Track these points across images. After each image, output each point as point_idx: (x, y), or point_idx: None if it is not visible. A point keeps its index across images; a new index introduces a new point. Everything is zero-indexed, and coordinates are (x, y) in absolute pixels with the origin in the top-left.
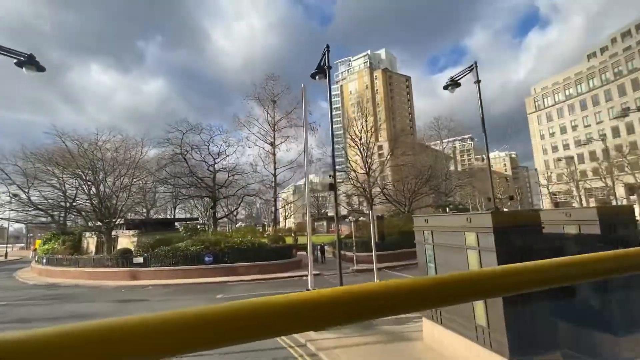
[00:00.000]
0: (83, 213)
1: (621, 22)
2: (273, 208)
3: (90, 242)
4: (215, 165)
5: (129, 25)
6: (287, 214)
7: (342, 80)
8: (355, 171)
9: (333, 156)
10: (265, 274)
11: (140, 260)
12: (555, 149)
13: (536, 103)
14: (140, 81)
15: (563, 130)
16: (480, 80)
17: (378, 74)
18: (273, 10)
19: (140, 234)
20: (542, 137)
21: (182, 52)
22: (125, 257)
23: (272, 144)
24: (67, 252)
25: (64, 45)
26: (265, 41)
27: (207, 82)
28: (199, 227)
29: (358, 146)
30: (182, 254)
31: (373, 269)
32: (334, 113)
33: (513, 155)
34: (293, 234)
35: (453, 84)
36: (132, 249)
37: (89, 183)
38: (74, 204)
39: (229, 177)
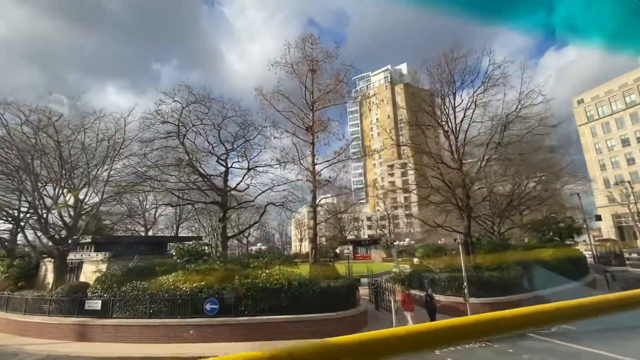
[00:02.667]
0: (23, 224)
1: None
2: (312, 222)
3: (50, 269)
4: (228, 159)
5: (144, 47)
6: (302, 235)
7: (361, 96)
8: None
9: None
10: (315, 336)
11: (97, 305)
12: (616, 164)
13: (588, 114)
14: (155, 102)
15: (625, 142)
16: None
17: (399, 88)
18: (286, 32)
19: (112, 259)
20: (599, 151)
21: (197, 73)
22: (74, 299)
23: (310, 129)
24: (10, 283)
25: (82, 67)
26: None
27: (222, 103)
28: (201, 249)
29: (445, 129)
30: (167, 297)
31: None
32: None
33: None
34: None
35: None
36: (93, 282)
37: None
38: (24, 211)
39: (248, 173)
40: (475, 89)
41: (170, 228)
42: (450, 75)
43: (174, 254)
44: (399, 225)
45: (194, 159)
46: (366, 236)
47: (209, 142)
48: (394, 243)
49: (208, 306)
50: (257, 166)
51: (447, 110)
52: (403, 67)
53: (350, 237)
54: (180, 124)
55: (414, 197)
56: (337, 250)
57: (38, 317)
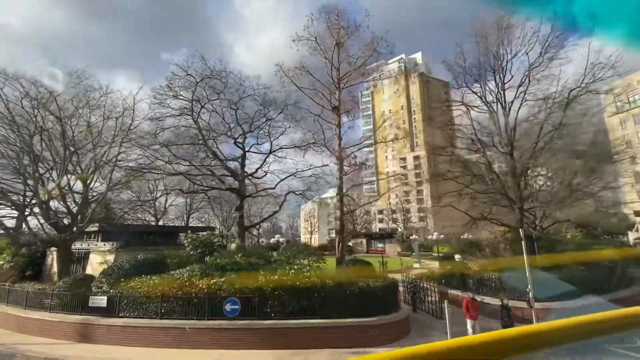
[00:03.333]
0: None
1: None
2: (338, 212)
3: (56, 259)
4: (245, 142)
5: (153, 38)
6: (312, 228)
7: (374, 87)
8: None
9: None
10: (354, 345)
11: (102, 301)
12: None
13: (617, 104)
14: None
15: None
16: None
17: (414, 78)
18: (294, 24)
19: (120, 250)
20: (630, 144)
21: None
22: (77, 295)
23: (337, 110)
24: (13, 274)
25: (92, 57)
26: (288, 55)
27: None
28: (216, 241)
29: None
30: (181, 295)
31: None
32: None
33: None
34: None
35: None
36: (98, 275)
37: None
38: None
39: (267, 157)
40: (531, 61)
41: (180, 218)
42: (500, 47)
43: (186, 245)
44: (410, 219)
45: (208, 138)
46: (377, 230)
47: (225, 121)
48: (411, 237)
49: (228, 307)
50: (282, 147)
51: (496, 88)
52: (418, 56)
53: (361, 230)
54: (194, 101)
55: (426, 191)
56: (350, 244)
57: (39, 313)
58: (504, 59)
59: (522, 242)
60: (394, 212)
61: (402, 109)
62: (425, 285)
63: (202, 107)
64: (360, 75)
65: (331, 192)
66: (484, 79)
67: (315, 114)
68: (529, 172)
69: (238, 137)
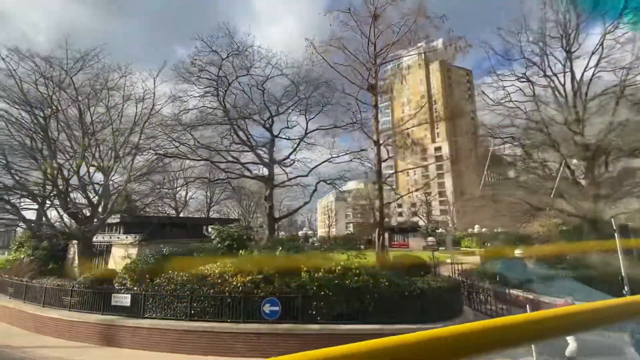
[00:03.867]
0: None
1: None
2: (378, 201)
3: (77, 252)
4: (273, 125)
5: (168, 31)
6: (330, 222)
7: (391, 75)
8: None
9: None
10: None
11: (126, 300)
12: None
13: None
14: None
15: None
16: None
17: (435, 66)
18: (309, 14)
19: (144, 243)
20: None
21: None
22: (99, 292)
23: (373, 88)
24: (33, 268)
25: (110, 52)
26: (302, 45)
27: (244, 86)
28: (246, 233)
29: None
30: (213, 294)
31: None
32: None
33: None
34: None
35: None
36: (121, 271)
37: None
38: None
39: (298, 143)
40: (606, 26)
41: (200, 211)
42: (571, 9)
43: (213, 237)
44: (431, 213)
45: (234, 121)
46: (396, 223)
47: (253, 102)
48: (437, 230)
49: (267, 308)
50: (319, 128)
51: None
52: (438, 43)
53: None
54: (220, 77)
55: (448, 184)
56: (371, 237)
57: (57, 312)
58: (575, 24)
59: (615, 233)
60: (414, 205)
61: (422, 98)
62: (484, 286)
63: (229, 85)
64: (401, 47)
65: (350, 185)
66: (545, 49)
67: (349, 93)
68: (603, 152)
69: (267, 120)
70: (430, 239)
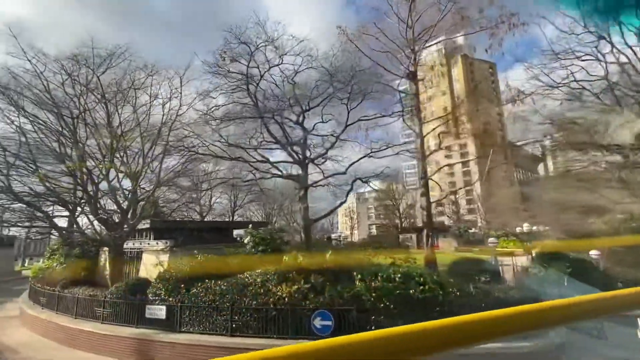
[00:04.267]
0: (72, 206)
1: None
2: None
3: (108, 259)
4: (305, 121)
5: (184, 37)
6: (353, 223)
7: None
8: None
9: None
10: None
11: (161, 312)
12: None
13: None
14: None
15: None
16: None
17: (456, 60)
18: (323, 14)
19: (175, 249)
20: None
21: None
22: (132, 303)
23: (413, 75)
24: (66, 275)
25: (133, 53)
26: (316, 46)
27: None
28: (280, 237)
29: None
30: (256, 306)
31: None
32: None
33: None
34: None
35: None
36: (154, 280)
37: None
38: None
39: (331, 138)
40: None
41: (224, 215)
42: None
43: (246, 242)
44: (459, 212)
45: (269, 117)
46: (422, 224)
47: (285, 95)
48: (470, 230)
49: (318, 322)
50: (360, 119)
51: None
52: (459, 39)
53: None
54: (252, 68)
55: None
56: (400, 239)
57: (90, 324)
58: None
59: None
60: (440, 204)
61: (443, 94)
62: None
63: (262, 77)
64: (442, 31)
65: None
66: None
67: (387, 83)
68: None
69: (299, 115)
70: (491, 239)
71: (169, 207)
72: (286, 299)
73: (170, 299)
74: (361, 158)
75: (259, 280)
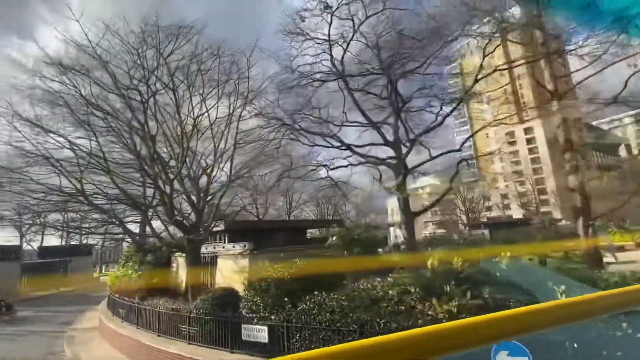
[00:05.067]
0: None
1: None
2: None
3: (181, 264)
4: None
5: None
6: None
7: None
8: None
9: None
10: None
11: (262, 334)
12: None
13: None
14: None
15: None
16: None
17: (514, 35)
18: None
19: (255, 252)
20: None
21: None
22: (225, 321)
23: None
24: (141, 285)
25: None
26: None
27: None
28: (372, 237)
29: None
30: (394, 328)
31: None
32: None
33: None
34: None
35: None
36: (242, 292)
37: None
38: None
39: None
40: None
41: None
42: None
43: (334, 242)
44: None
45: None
46: (485, 219)
47: (378, 58)
48: (554, 223)
49: (502, 357)
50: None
51: None
52: (514, 11)
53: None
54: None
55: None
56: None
57: (176, 346)
58: None
59: None
60: (505, 197)
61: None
62: None
63: (353, 38)
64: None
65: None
66: None
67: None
68: None
69: (396, 82)
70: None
71: (233, 207)
72: (428, 315)
73: (272, 317)
74: (476, 132)
75: (391, 292)
